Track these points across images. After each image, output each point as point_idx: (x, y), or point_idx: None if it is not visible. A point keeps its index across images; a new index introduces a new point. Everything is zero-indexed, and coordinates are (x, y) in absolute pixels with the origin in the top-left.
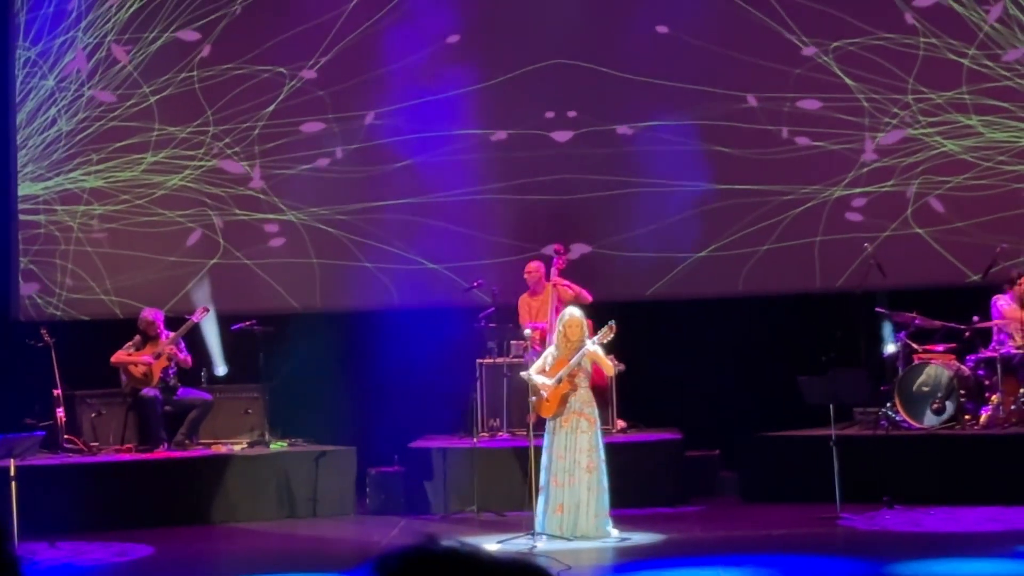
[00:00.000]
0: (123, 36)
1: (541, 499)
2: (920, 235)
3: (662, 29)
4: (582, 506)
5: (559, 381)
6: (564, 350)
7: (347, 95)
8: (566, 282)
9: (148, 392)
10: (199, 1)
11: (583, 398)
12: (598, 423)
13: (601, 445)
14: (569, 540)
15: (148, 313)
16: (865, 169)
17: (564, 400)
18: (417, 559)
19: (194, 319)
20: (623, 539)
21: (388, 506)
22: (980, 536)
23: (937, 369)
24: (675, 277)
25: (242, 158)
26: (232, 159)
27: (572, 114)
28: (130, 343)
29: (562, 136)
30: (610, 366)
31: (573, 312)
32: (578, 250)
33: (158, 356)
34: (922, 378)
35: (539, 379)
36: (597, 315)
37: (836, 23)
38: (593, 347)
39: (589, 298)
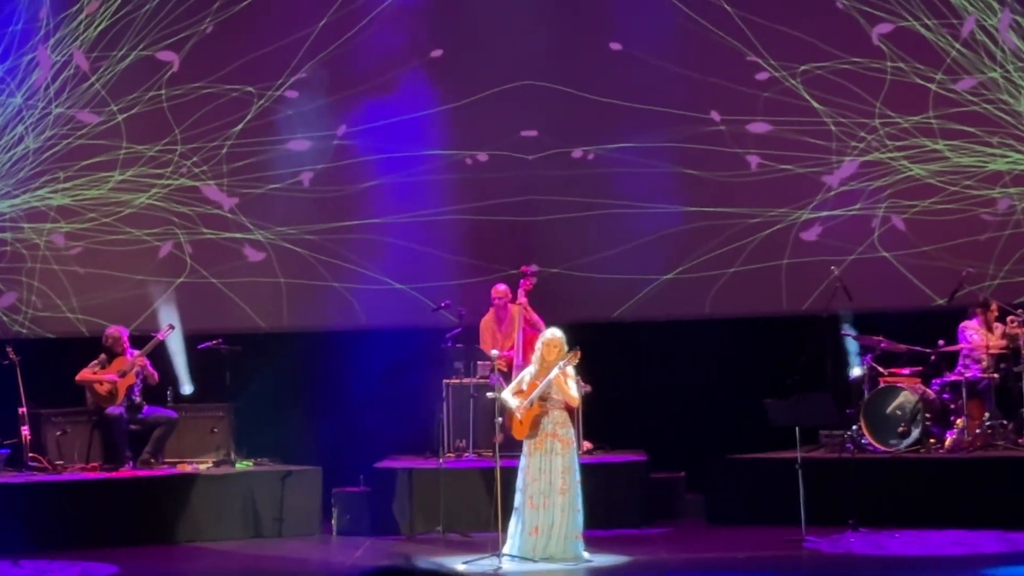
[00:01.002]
0: (91, 54)
1: (515, 520)
2: (886, 259)
3: (632, 52)
4: (555, 527)
5: (531, 403)
6: (541, 371)
7: (315, 115)
8: (528, 308)
9: (113, 410)
10: (168, 20)
11: (557, 420)
12: (573, 444)
13: (576, 467)
14: (535, 562)
15: (114, 329)
16: (832, 192)
17: (537, 422)
18: None
19: (159, 337)
20: (587, 560)
21: (354, 526)
22: (945, 559)
23: (908, 393)
24: (642, 299)
25: (210, 177)
26: (200, 178)
27: (541, 136)
28: (95, 361)
29: (530, 157)
30: (574, 397)
31: (554, 332)
32: (545, 272)
33: (123, 374)
34: (898, 401)
35: (512, 401)
36: (565, 336)
37: (804, 47)
38: (558, 373)
39: (543, 328)
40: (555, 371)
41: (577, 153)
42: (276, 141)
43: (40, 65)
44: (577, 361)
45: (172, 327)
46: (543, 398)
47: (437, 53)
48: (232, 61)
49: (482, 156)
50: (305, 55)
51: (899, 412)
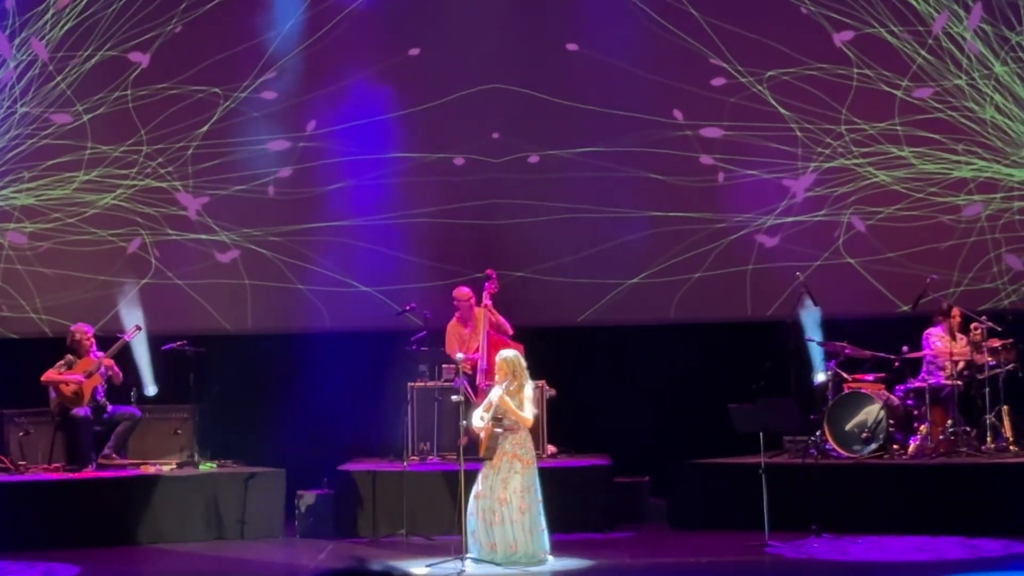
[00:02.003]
0: (57, 54)
1: (470, 526)
2: (851, 265)
3: (599, 57)
4: (520, 546)
5: (486, 424)
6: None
7: (281, 117)
8: (493, 310)
9: (79, 412)
10: (135, 20)
11: (516, 440)
12: (534, 464)
13: (537, 486)
14: (498, 565)
15: (78, 328)
16: (797, 198)
17: (493, 442)
18: None
19: (126, 338)
20: (550, 564)
21: (317, 529)
22: (907, 565)
23: (872, 400)
24: (607, 304)
25: (175, 178)
26: (165, 179)
27: (507, 139)
28: (61, 362)
29: (496, 161)
30: (525, 419)
31: (503, 355)
32: (511, 276)
33: (90, 375)
34: (861, 407)
35: (477, 422)
36: (530, 341)
37: (770, 53)
38: (500, 395)
39: (510, 330)
40: (495, 392)
41: (543, 157)
42: (242, 142)
43: (4, 64)
44: (514, 384)
45: (139, 328)
46: (496, 418)
47: (405, 57)
48: (199, 62)
49: (446, 160)
50: (271, 58)
51: (869, 420)
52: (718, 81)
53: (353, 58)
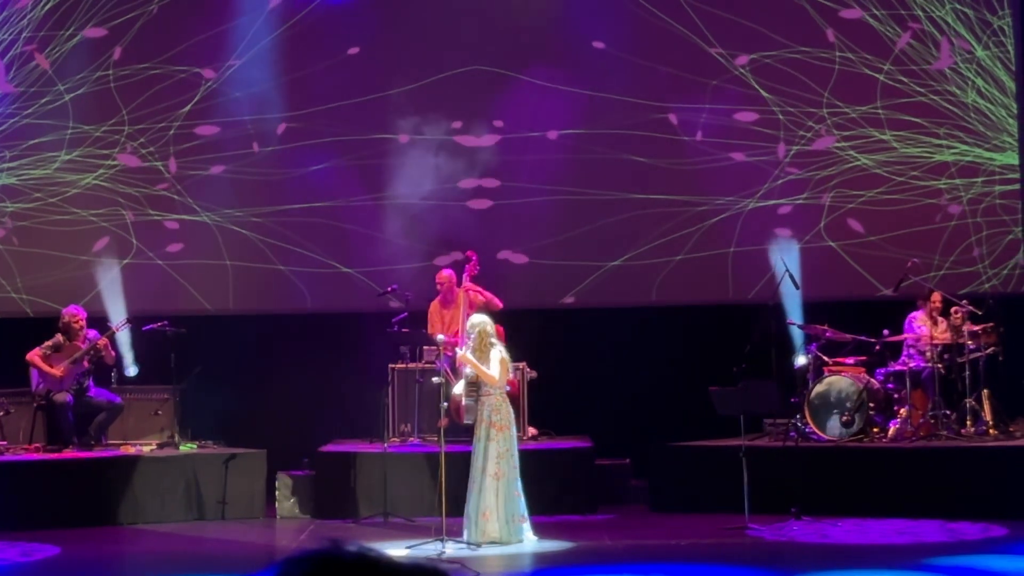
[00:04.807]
0: (38, 34)
1: (468, 504)
2: (833, 248)
3: (581, 39)
4: (491, 512)
5: (460, 393)
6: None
7: (263, 98)
8: (477, 288)
9: (60, 396)
10: (115, 0)
11: (491, 405)
12: (510, 431)
13: (515, 452)
14: (479, 546)
15: (71, 308)
16: (779, 181)
17: (471, 407)
18: (322, 563)
19: (115, 330)
20: (532, 544)
21: (298, 510)
22: (886, 548)
23: (847, 382)
24: (589, 286)
25: (156, 158)
26: (146, 159)
27: (488, 121)
28: (49, 342)
29: (478, 142)
30: (489, 375)
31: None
32: (493, 257)
33: (75, 361)
34: (835, 391)
35: (457, 389)
36: (511, 322)
37: (754, 35)
38: (463, 352)
39: (499, 304)
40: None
41: (526, 139)
42: (223, 123)
43: None
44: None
45: (130, 321)
46: (470, 384)
47: (389, 37)
48: (179, 43)
49: (429, 140)
50: (253, 38)
51: (842, 401)
52: (706, 64)
53: (336, 37)
